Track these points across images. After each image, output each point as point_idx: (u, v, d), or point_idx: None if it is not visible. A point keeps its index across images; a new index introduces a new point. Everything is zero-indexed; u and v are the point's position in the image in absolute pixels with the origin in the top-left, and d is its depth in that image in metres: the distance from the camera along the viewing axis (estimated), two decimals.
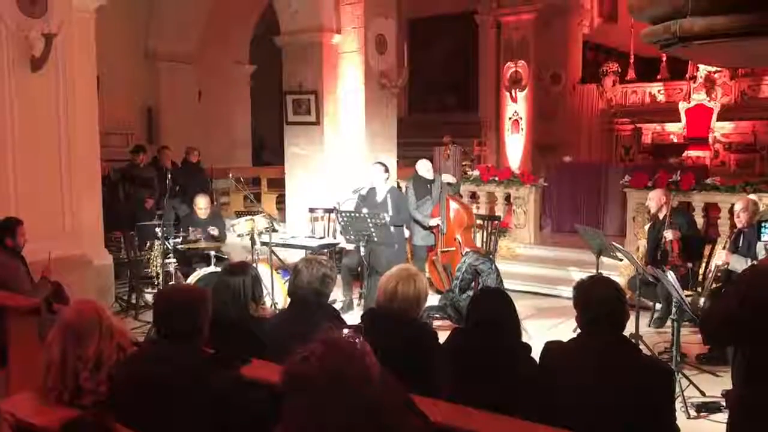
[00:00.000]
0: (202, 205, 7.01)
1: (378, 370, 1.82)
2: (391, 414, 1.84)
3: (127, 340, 2.62)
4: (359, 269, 6.75)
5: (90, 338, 2.48)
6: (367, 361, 1.81)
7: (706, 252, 6.32)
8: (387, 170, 7.02)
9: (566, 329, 5.72)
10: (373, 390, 1.78)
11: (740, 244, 5.52)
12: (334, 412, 1.72)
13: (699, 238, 6.35)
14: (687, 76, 12.98)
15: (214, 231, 6.83)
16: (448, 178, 7.58)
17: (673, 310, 4.76)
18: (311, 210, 8.60)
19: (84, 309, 2.54)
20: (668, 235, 6.01)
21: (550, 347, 2.77)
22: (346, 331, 1.89)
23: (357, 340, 1.84)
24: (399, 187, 8.62)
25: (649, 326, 6.24)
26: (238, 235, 6.61)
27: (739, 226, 5.62)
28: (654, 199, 6.27)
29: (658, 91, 13.74)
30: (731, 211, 6.82)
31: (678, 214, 6.26)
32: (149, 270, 7.08)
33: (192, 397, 2.41)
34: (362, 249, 6.33)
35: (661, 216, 6.13)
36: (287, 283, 4.54)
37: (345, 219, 6.43)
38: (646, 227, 6.82)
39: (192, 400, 2.40)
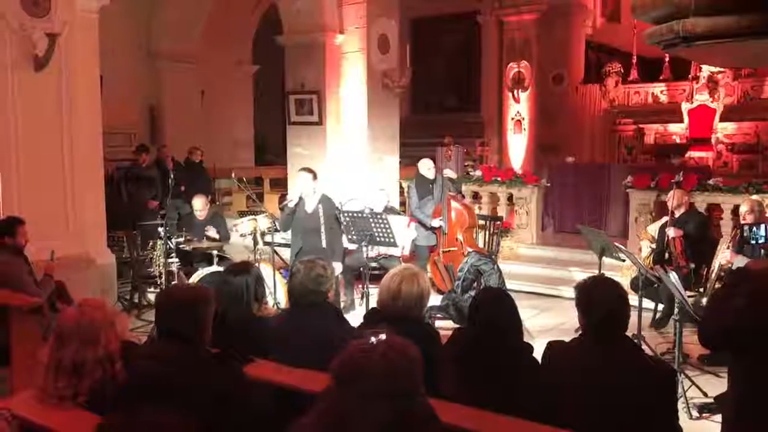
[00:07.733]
0: (198, 206, 6.97)
1: None
2: (423, 422, 1.82)
3: (123, 325, 2.64)
4: (360, 269, 6.73)
5: (100, 337, 2.48)
6: (421, 369, 1.78)
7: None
8: (315, 177, 6.13)
9: (568, 329, 5.72)
10: (420, 396, 1.77)
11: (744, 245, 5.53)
12: (377, 409, 1.67)
13: (707, 239, 6.33)
14: (690, 76, 12.94)
15: (210, 231, 6.75)
16: (449, 173, 7.57)
17: (675, 310, 4.76)
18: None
19: (90, 310, 2.54)
20: (670, 232, 6.03)
21: (552, 347, 2.78)
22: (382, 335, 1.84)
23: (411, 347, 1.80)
24: (391, 196, 8.50)
25: (651, 327, 6.23)
26: (241, 235, 6.60)
27: None
28: (675, 196, 6.31)
29: (661, 91, 13.70)
30: (734, 212, 6.82)
31: (691, 213, 6.28)
32: (152, 269, 7.09)
33: (194, 396, 2.41)
34: (364, 249, 6.31)
35: (677, 214, 6.16)
36: None
37: (347, 218, 6.43)
38: (651, 227, 6.81)
39: (194, 400, 2.40)
